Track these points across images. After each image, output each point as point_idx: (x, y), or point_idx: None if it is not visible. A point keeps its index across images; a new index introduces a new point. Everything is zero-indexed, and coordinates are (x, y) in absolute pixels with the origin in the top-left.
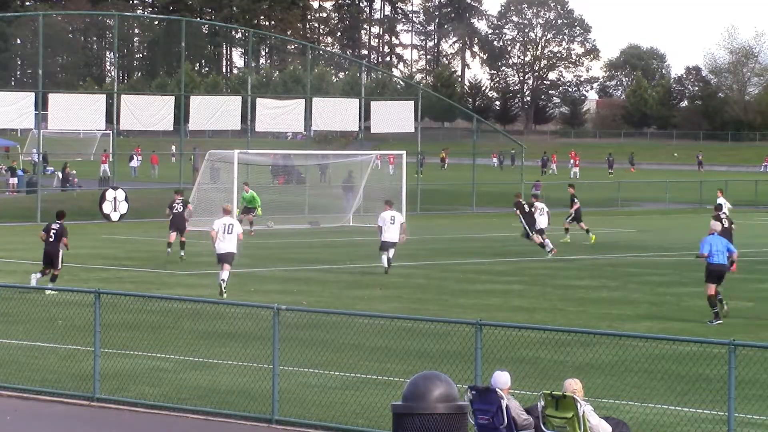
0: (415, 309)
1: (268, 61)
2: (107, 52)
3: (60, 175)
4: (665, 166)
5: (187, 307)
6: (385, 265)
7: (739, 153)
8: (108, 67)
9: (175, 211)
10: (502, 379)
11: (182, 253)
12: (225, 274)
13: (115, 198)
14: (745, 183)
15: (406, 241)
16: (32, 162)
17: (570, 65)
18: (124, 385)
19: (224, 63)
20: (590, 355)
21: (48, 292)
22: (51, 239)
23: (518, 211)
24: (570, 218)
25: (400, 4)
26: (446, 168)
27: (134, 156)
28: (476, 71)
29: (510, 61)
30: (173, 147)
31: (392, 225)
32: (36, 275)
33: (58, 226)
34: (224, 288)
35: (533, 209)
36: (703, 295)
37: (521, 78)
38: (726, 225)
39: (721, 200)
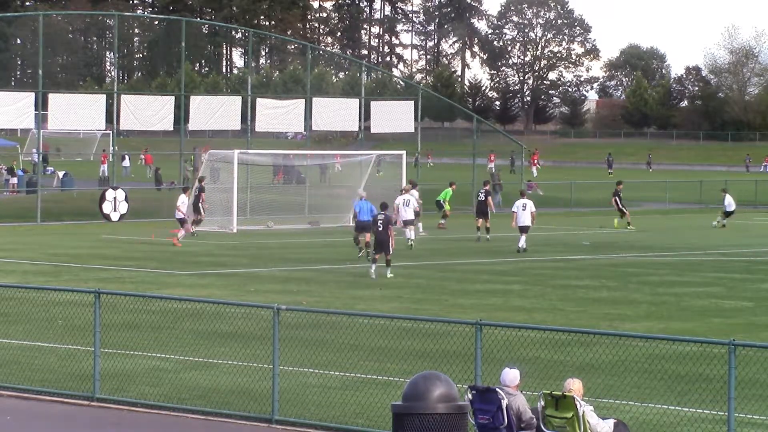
0: (415, 309)
1: (268, 61)
2: (107, 52)
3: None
4: (665, 166)
5: (187, 307)
6: (519, 245)
7: (739, 153)
8: (108, 67)
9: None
10: (509, 376)
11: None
12: (411, 233)
13: (115, 198)
14: (745, 183)
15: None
16: (32, 162)
17: (570, 65)
18: (124, 385)
19: (224, 63)
20: (590, 355)
21: (388, 275)
22: (380, 228)
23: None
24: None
25: (400, 4)
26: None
27: (126, 156)
28: (476, 71)
29: (510, 61)
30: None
31: (524, 211)
32: (372, 267)
33: (383, 216)
34: (411, 244)
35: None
36: (703, 294)
37: (521, 78)
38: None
39: (481, 192)
